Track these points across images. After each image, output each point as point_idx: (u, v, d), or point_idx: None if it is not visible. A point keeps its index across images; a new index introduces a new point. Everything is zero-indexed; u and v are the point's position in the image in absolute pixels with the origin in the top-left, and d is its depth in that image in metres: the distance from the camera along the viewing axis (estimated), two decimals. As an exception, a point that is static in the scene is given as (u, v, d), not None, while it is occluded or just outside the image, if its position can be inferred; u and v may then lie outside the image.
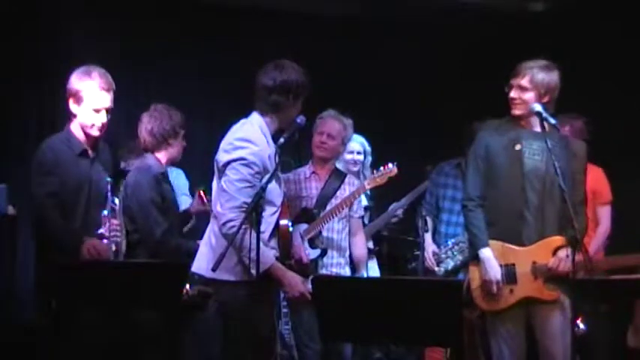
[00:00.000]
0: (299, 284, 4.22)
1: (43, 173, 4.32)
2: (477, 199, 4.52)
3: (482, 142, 4.56)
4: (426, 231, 5.38)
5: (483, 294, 4.46)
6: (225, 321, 4.35)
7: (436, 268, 5.48)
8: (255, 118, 4.31)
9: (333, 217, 5.15)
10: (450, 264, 5.50)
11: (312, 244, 5.13)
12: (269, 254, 4.19)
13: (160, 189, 4.81)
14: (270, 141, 4.29)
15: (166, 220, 4.78)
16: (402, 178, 5.31)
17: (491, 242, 4.45)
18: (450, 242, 5.53)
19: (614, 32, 6.38)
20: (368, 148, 5.82)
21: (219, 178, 4.27)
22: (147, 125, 4.89)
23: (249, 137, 4.21)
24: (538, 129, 4.43)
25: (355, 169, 5.73)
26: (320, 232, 5.13)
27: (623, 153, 5.97)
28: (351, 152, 5.73)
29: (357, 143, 5.75)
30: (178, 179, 5.85)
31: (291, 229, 4.43)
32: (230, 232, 4.08)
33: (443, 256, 5.51)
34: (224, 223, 4.13)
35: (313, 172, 5.30)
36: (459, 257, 5.48)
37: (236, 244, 4.08)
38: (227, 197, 4.15)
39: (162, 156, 4.92)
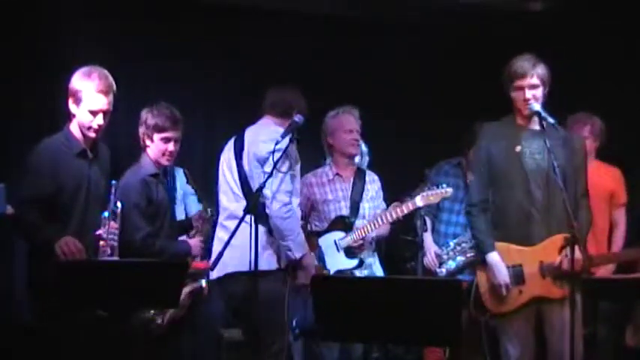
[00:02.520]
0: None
1: (34, 175, 4.31)
2: (479, 204, 4.54)
3: (483, 147, 4.57)
4: (425, 230, 5.37)
5: (492, 297, 4.46)
6: (254, 308, 4.47)
7: (438, 269, 5.47)
8: (265, 120, 4.76)
9: (372, 229, 5.13)
10: (452, 265, 5.49)
11: (349, 253, 5.14)
12: (305, 242, 4.66)
13: (148, 192, 4.69)
14: None
15: (150, 223, 4.67)
16: (401, 178, 5.30)
17: (498, 244, 4.45)
18: (451, 243, 5.51)
19: (614, 32, 6.37)
20: (365, 149, 5.77)
21: (262, 167, 4.58)
22: None
23: (277, 131, 4.60)
24: (537, 127, 4.44)
25: None
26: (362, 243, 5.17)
27: (622, 153, 5.96)
28: None
29: None
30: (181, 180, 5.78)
31: None
32: (287, 214, 4.50)
33: (445, 256, 5.50)
34: (282, 206, 4.51)
35: (337, 174, 5.29)
36: (461, 258, 5.47)
37: (288, 227, 4.51)
38: (278, 183, 4.52)
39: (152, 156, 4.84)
